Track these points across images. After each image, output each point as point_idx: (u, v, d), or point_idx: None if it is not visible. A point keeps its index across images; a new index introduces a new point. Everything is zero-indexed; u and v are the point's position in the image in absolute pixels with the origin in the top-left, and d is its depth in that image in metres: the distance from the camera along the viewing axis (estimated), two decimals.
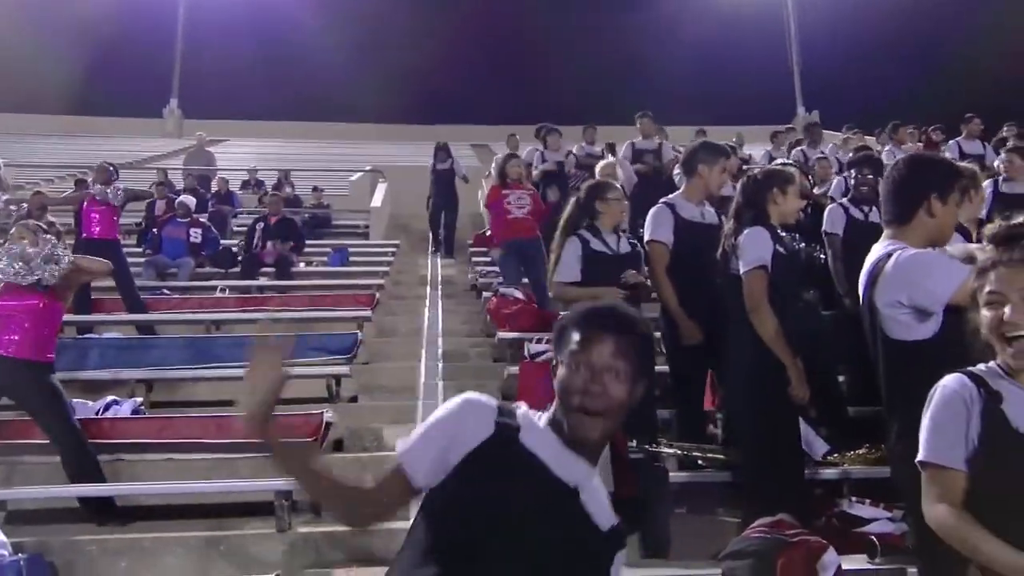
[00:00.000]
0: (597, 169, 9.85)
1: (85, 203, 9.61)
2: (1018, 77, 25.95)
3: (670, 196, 5.75)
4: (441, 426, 2.00)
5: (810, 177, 8.98)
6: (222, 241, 12.26)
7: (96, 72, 31.87)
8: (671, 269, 5.45)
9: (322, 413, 6.25)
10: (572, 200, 5.83)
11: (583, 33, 36.44)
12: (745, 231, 4.64)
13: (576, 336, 1.99)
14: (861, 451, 5.18)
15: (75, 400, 6.32)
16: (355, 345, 7.79)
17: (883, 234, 3.41)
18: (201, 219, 12.26)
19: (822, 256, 6.37)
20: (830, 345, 5.83)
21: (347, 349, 7.72)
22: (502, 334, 7.75)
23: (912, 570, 3.56)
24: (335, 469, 2.12)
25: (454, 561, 1.87)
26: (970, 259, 3.15)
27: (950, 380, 2.23)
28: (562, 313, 6.03)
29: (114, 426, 6.29)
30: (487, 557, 1.87)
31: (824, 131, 14.49)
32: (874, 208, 5.94)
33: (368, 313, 8.98)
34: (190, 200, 12.24)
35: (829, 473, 5.13)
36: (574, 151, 12.04)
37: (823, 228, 6.31)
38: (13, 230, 5.95)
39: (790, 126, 16.75)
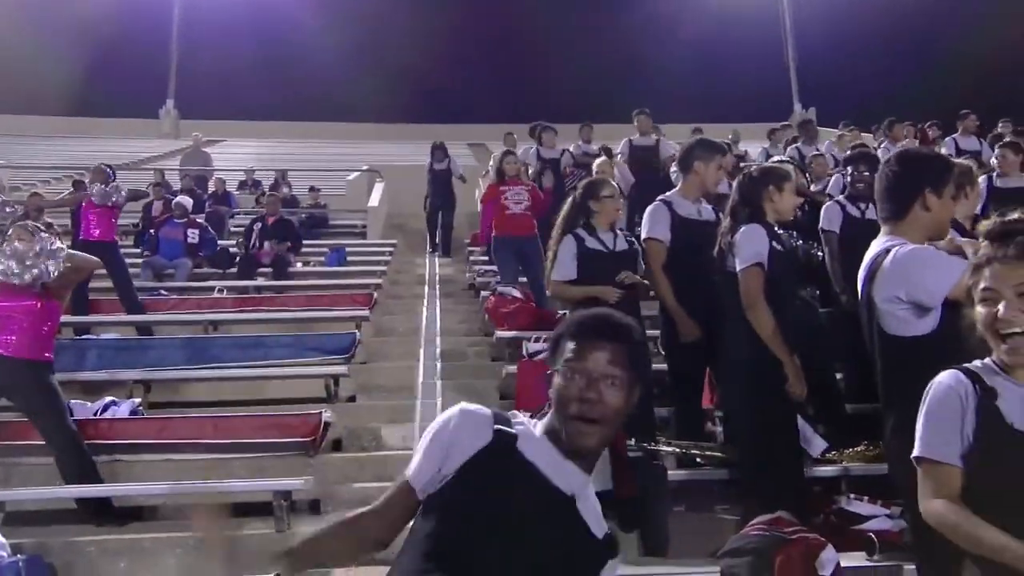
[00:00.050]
0: (594, 167, 9.87)
1: (83, 205, 9.58)
2: (1014, 71, 25.99)
3: (667, 194, 5.76)
4: (439, 437, 2.02)
5: (807, 174, 8.98)
6: (219, 242, 12.25)
7: (93, 73, 31.82)
8: (669, 266, 5.46)
9: (320, 413, 6.26)
10: (569, 199, 5.85)
11: (580, 32, 36.43)
12: (741, 229, 4.65)
13: (571, 345, 2.00)
14: (859, 448, 5.19)
15: (73, 401, 6.32)
16: (353, 345, 7.79)
17: (881, 231, 3.42)
18: (198, 220, 12.24)
19: (819, 253, 6.37)
20: (828, 342, 5.84)
21: (345, 349, 7.72)
22: (500, 333, 7.75)
23: (910, 567, 3.57)
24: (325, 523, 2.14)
25: (453, 566, 1.88)
26: (958, 252, 3.17)
27: (945, 376, 2.23)
28: (560, 312, 6.04)
29: (112, 427, 6.29)
30: (485, 563, 1.88)
31: (821, 128, 14.50)
32: (871, 205, 5.92)
33: (366, 313, 8.97)
34: (187, 201, 12.22)
35: (827, 470, 5.13)
36: (570, 149, 12.05)
37: (820, 225, 6.31)
38: (11, 231, 5.95)
39: (787, 123, 16.71)
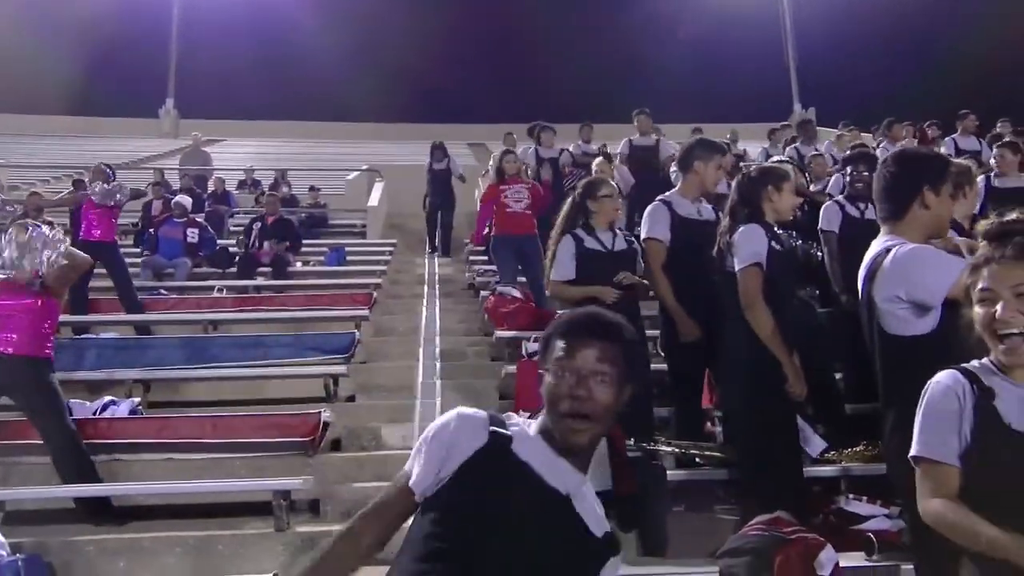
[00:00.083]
0: (593, 167, 9.87)
1: (83, 205, 9.57)
2: (1014, 71, 25.99)
3: (666, 193, 5.76)
4: (438, 441, 2.03)
5: (806, 175, 8.98)
6: (219, 241, 12.26)
7: (92, 72, 31.85)
8: (669, 266, 5.46)
9: (320, 413, 6.26)
10: (568, 199, 5.85)
11: (580, 32, 36.44)
12: (740, 228, 4.65)
13: (560, 344, 2.02)
14: (858, 448, 5.18)
15: (73, 400, 6.33)
16: (352, 344, 7.79)
17: (880, 231, 3.42)
18: (198, 219, 12.24)
19: (819, 253, 6.37)
20: (827, 342, 5.84)
21: (344, 348, 7.72)
22: (500, 333, 7.76)
23: (908, 567, 3.57)
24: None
25: (451, 566, 1.89)
26: (957, 251, 3.17)
27: (943, 376, 2.24)
28: (559, 312, 6.04)
29: (112, 426, 6.29)
30: (483, 563, 1.90)
31: (821, 128, 14.50)
32: (870, 205, 5.92)
33: (365, 312, 8.97)
34: (186, 200, 12.22)
35: (826, 470, 5.13)
36: (570, 149, 12.05)
37: (819, 226, 6.31)
38: (11, 229, 5.96)
39: (786, 123, 16.72)
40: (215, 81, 33.02)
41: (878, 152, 9.57)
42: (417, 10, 35.18)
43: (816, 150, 11.64)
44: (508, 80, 34.34)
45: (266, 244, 11.56)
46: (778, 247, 4.69)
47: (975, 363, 2.25)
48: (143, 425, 6.41)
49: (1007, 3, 28.35)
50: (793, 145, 12.24)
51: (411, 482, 2.03)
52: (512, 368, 6.74)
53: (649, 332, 6.24)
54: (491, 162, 12.10)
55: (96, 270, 9.32)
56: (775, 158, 9.84)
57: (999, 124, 12.85)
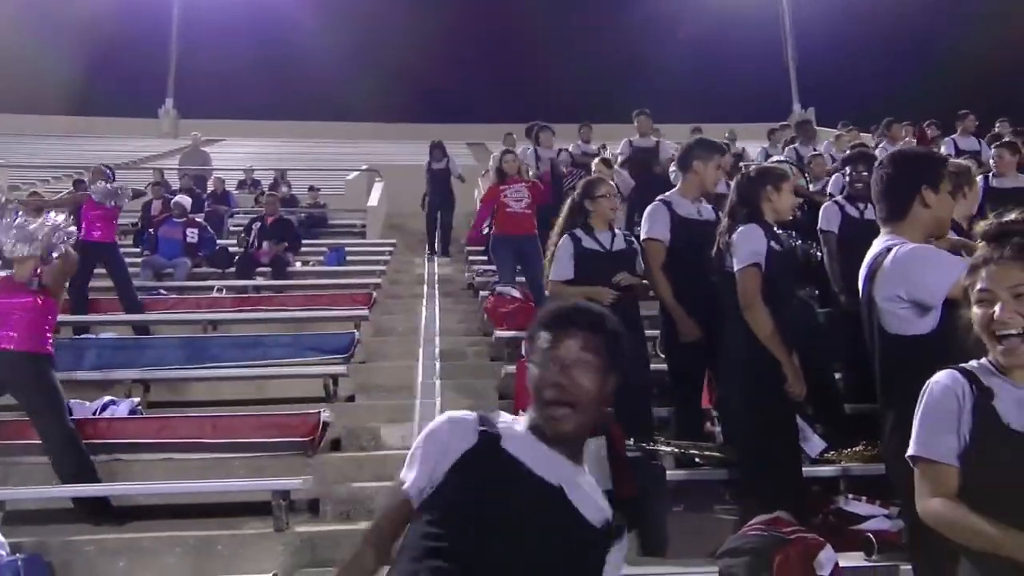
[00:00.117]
0: (593, 167, 9.88)
1: (83, 205, 9.56)
2: (1014, 71, 26.00)
3: (666, 194, 5.76)
4: (428, 446, 2.08)
5: (806, 175, 8.99)
6: (218, 241, 12.26)
7: (92, 72, 31.86)
8: (668, 266, 5.46)
9: (319, 412, 6.26)
10: (568, 200, 5.85)
11: (580, 32, 36.46)
12: (739, 229, 4.65)
13: (544, 335, 2.07)
14: (858, 448, 5.19)
15: (72, 400, 6.32)
16: (352, 344, 7.79)
17: (880, 231, 3.43)
18: (197, 219, 12.25)
19: (818, 253, 6.38)
20: (826, 342, 5.84)
21: (344, 348, 7.72)
22: (499, 333, 7.76)
23: (907, 567, 3.57)
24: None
25: (449, 565, 1.90)
26: (954, 250, 3.18)
27: (942, 376, 2.24)
28: None
29: (111, 426, 6.29)
30: (480, 560, 1.91)
31: (821, 128, 14.50)
32: (869, 205, 5.93)
33: (365, 312, 8.97)
34: (186, 200, 12.22)
35: (826, 470, 5.14)
36: (570, 149, 12.05)
37: (819, 226, 6.32)
38: (21, 212, 5.99)
39: (786, 123, 16.72)
40: (215, 81, 33.04)
41: (877, 152, 9.58)
42: (417, 10, 35.21)
43: (815, 150, 11.64)
44: (508, 80, 34.36)
45: (265, 244, 11.56)
46: (777, 247, 4.69)
47: (974, 363, 2.26)
48: (143, 425, 6.41)
49: (1007, 3, 28.36)
50: (792, 146, 12.24)
51: (405, 487, 2.06)
52: (512, 368, 6.73)
53: (649, 332, 6.24)
54: (491, 162, 12.10)
55: (96, 270, 9.35)
56: (775, 158, 9.85)
57: (998, 124, 12.87)
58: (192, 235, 11.53)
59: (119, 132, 29.42)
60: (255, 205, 15.31)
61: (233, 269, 11.45)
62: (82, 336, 8.48)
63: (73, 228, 6.06)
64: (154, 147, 26.02)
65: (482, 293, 9.39)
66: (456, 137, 22.76)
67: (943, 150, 10.44)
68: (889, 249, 3.24)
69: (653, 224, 5.53)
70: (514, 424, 2.10)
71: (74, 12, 31.08)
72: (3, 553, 4.63)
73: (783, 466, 4.57)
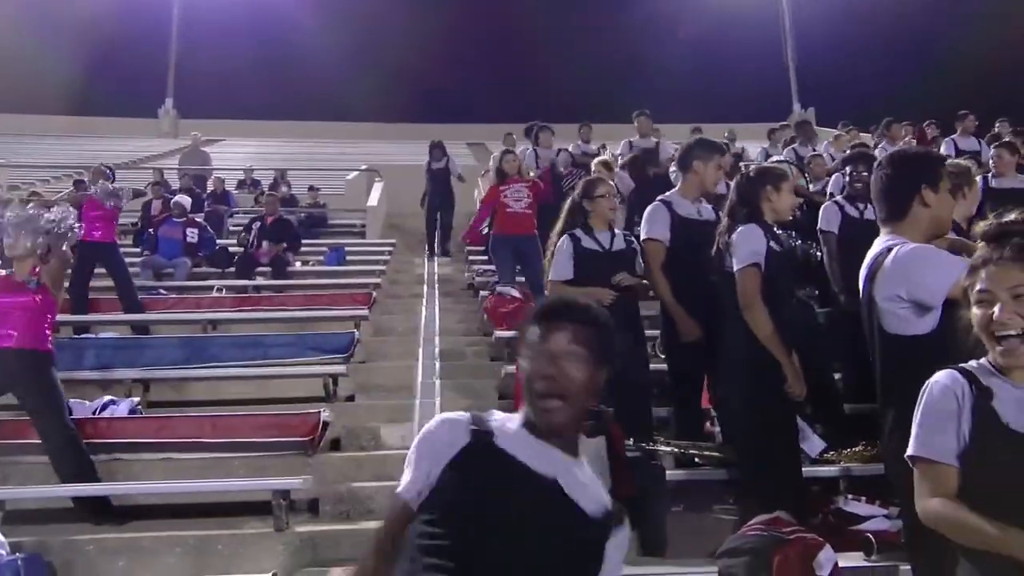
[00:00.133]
0: (592, 167, 9.87)
1: (84, 205, 9.56)
2: (1014, 71, 26.00)
3: (666, 194, 5.76)
4: (423, 449, 2.11)
5: (806, 175, 8.99)
6: (218, 241, 12.26)
7: (92, 72, 31.85)
8: (669, 266, 5.46)
9: (319, 412, 6.26)
10: (568, 200, 5.85)
11: (580, 32, 36.46)
12: (738, 229, 4.66)
13: (534, 330, 2.09)
14: (857, 448, 5.19)
15: (72, 400, 6.32)
16: (352, 344, 7.79)
17: (881, 231, 3.43)
18: (197, 219, 12.25)
19: (818, 254, 6.38)
20: (826, 342, 5.85)
21: (344, 348, 7.72)
22: (499, 333, 7.76)
23: (907, 567, 3.57)
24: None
25: (447, 563, 1.92)
26: (953, 250, 3.18)
27: (942, 376, 2.24)
28: None
29: (111, 426, 6.29)
30: (480, 557, 1.93)
31: (821, 128, 14.50)
32: (869, 205, 5.93)
33: (365, 312, 8.97)
34: (186, 200, 12.21)
35: (825, 470, 5.14)
36: (570, 149, 12.05)
37: (818, 226, 6.32)
38: (31, 204, 6.00)
39: (786, 123, 16.73)
40: (215, 81, 33.04)
41: (877, 152, 9.59)
42: (417, 10, 35.20)
43: (814, 150, 11.64)
44: (508, 80, 34.36)
45: (265, 244, 11.56)
46: (777, 247, 4.69)
47: (973, 363, 2.25)
48: (142, 425, 6.41)
49: (1007, 3, 28.36)
50: (791, 146, 12.24)
51: (404, 492, 2.09)
52: (511, 368, 6.73)
53: (649, 332, 6.24)
54: (491, 162, 12.09)
55: (96, 270, 9.36)
56: (775, 158, 9.85)
57: (998, 124, 12.87)
58: (192, 235, 11.53)
59: (119, 132, 29.41)
60: (255, 205, 15.31)
61: (233, 269, 11.45)
62: (82, 336, 8.48)
63: (78, 225, 6.07)
64: (154, 147, 26.02)
65: (482, 293, 9.39)
66: (456, 137, 22.76)
67: (943, 150, 10.44)
68: (890, 249, 3.24)
69: (653, 224, 5.54)
70: (507, 422, 2.12)
71: (74, 12, 31.08)
72: (3, 552, 4.63)
73: (783, 466, 4.57)
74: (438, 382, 7.36)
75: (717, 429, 5.56)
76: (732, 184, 5.03)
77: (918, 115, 15.25)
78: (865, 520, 4.69)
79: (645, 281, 5.57)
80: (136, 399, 6.83)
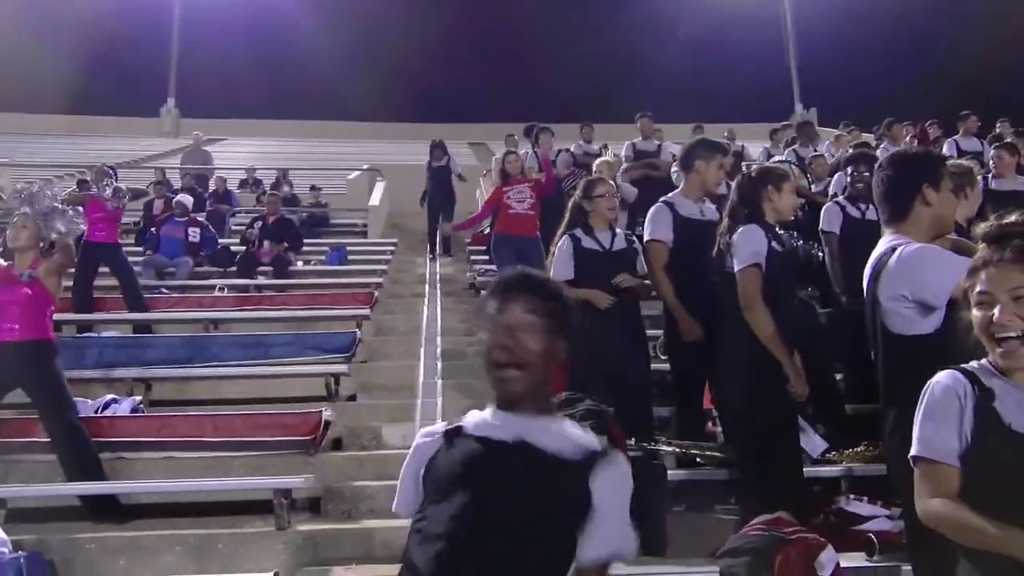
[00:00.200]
0: (593, 167, 9.87)
1: (87, 205, 9.55)
2: (1014, 71, 25.99)
3: (669, 195, 5.75)
4: (409, 462, 2.20)
5: (807, 175, 8.99)
6: (220, 240, 12.26)
7: (93, 72, 31.91)
8: (671, 266, 5.45)
9: (321, 412, 6.27)
10: (570, 201, 5.85)
11: (580, 32, 36.47)
12: (739, 229, 4.66)
13: (492, 303, 2.15)
14: (859, 449, 5.19)
15: (75, 398, 6.32)
16: (353, 344, 7.79)
17: (885, 232, 3.43)
18: (199, 218, 12.27)
19: (820, 254, 6.38)
20: (827, 342, 5.84)
21: (345, 348, 7.73)
22: None
23: (909, 567, 3.57)
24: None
25: (435, 546, 1.99)
26: (955, 250, 3.18)
27: (944, 376, 2.24)
28: None
29: (113, 424, 6.30)
30: (456, 534, 1.99)
31: (822, 128, 14.48)
32: (871, 206, 5.93)
33: (366, 312, 8.98)
34: (188, 199, 12.23)
35: (827, 471, 5.14)
36: (571, 149, 12.05)
37: (820, 226, 6.32)
38: (15, 219, 6.00)
39: (787, 123, 16.72)
40: (216, 81, 33.09)
41: (879, 152, 9.58)
42: (416, 10, 35.23)
43: (815, 151, 11.63)
44: (508, 80, 34.39)
45: (267, 243, 11.57)
46: (778, 247, 4.69)
47: (975, 364, 2.25)
48: (144, 424, 6.42)
49: (1007, 3, 28.35)
50: (792, 147, 12.23)
51: (395, 507, 2.21)
52: None
53: (650, 332, 6.24)
54: (493, 164, 12.08)
55: (100, 269, 9.36)
56: (776, 158, 9.84)
57: (999, 124, 12.86)
58: (194, 234, 11.54)
59: (121, 131, 29.43)
60: (257, 204, 15.31)
61: (235, 268, 11.46)
62: (84, 335, 8.49)
63: (82, 223, 6.08)
64: (156, 146, 26.06)
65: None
66: (456, 137, 22.78)
67: (945, 151, 10.44)
68: (894, 249, 3.25)
69: (656, 225, 5.53)
70: (483, 413, 2.18)
71: (74, 12, 31.11)
72: (5, 551, 4.64)
73: (784, 466, 4.58)
74: (440, 382, 7.36)
75: (719, 429, 5.56)
76: (733, 184, 5.03)
77: (918, 115, 15.25)
78: (867, 520, 4.69)
79: (647, 281, 5.57)
80: (138, 398, 6.84)
